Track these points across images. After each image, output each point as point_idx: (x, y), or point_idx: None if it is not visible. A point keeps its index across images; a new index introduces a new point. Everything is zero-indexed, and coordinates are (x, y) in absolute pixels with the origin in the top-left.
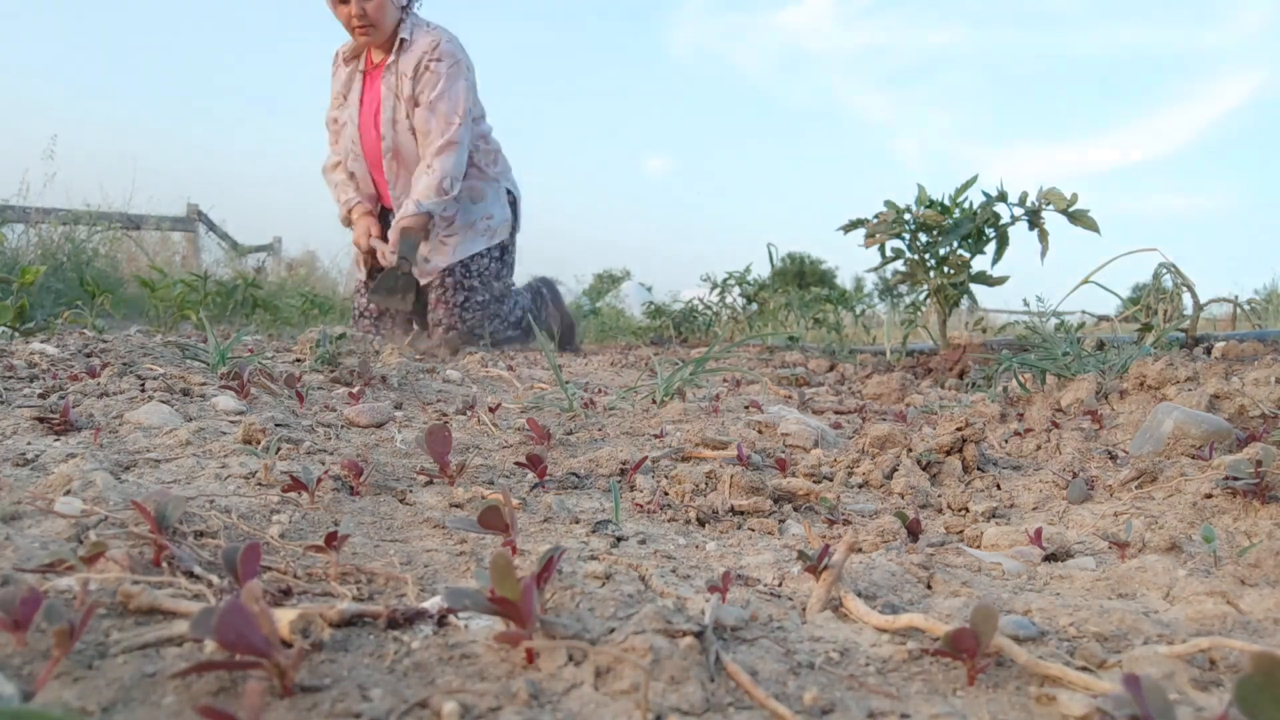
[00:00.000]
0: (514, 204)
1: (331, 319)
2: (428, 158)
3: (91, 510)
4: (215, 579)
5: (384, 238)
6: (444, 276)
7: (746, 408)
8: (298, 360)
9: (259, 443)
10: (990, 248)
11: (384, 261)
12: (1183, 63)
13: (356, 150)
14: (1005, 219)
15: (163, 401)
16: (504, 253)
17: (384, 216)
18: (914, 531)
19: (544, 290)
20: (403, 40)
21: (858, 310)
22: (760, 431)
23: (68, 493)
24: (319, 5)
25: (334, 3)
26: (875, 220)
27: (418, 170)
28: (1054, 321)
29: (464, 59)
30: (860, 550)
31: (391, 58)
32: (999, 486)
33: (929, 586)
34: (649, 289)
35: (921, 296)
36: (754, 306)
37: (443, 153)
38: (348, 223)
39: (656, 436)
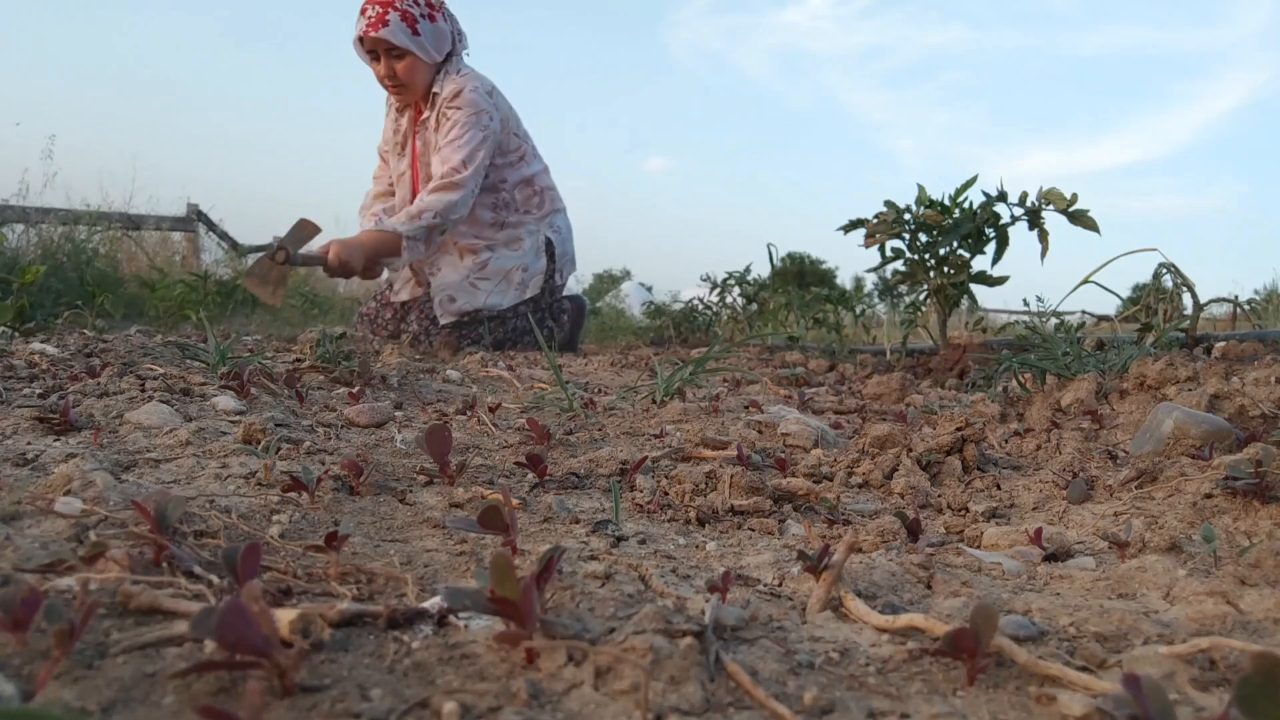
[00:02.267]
0: (551, 252)
1: (332, 319)
2: (423, 192)
3: (91, 510)
4: (215, 579)
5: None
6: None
7: (746, 408)
8: (298, 360)
9: (259, 443)
10: (990, 248)
11: (325, 253)
12: (1183, 63)
13: (405, 199)
14: (1005, 219)
15: (163, 401)
16: (531, 306)
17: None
18: (914, 531)
19: (567, 312)
20: (435, 95)
21: (858, 310)
22: (760, 431)
23: (68, 493)
24: (321, 6)
25: (367, 58)
26: (875, 220)
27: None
28: (1054, 321)
29: (487, 107)
30: (860, 550)
31: (425, 114)
32: (999, 486)
33: (929, 586)
34: (649, 289)
35: (921, 296)
36: (754, 306)
37: (437, 190)
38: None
39: (656, 436)
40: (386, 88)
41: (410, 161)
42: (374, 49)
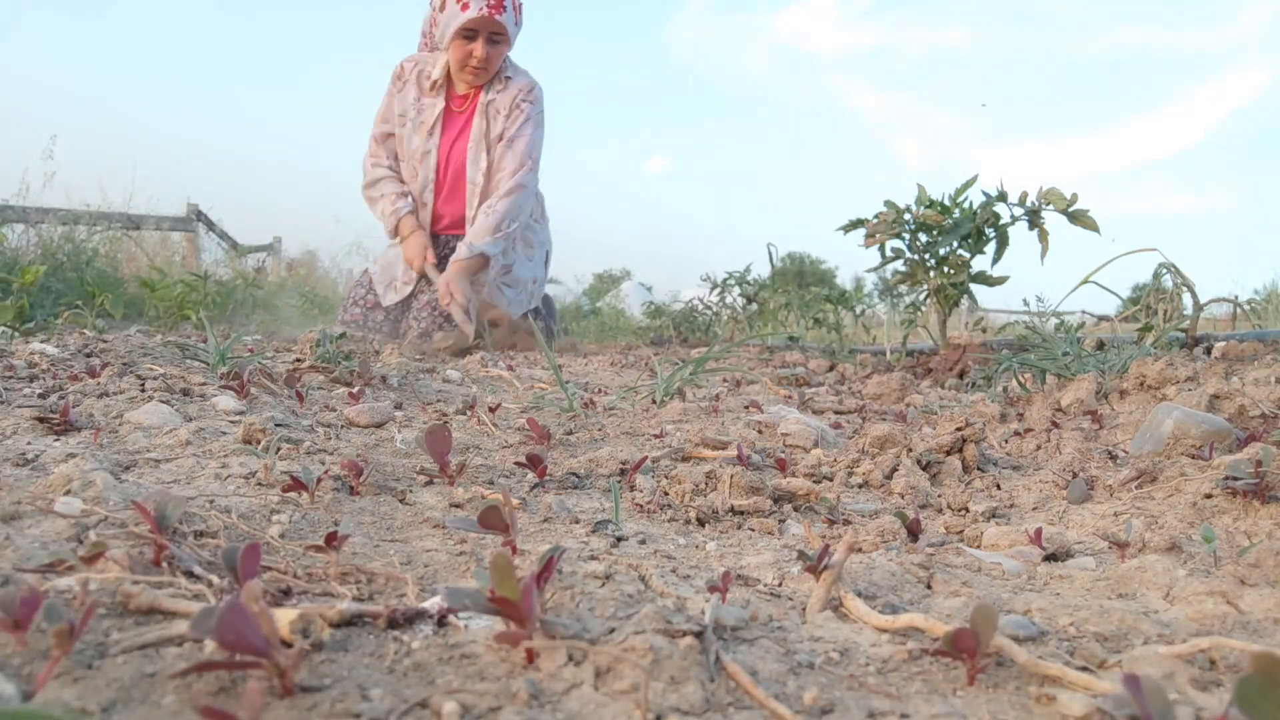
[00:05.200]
0: (546, 261)
1: (331, 319)
2: (494, 198)
3: (91, 510)
4: (215, 579)
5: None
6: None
7: (746, 408)
8: (298, 360)
9: (259, 443)
10: (990, 248)
11: (448, 306)
12: (1183, 63)
13: (429, 179)
14: (1005, 219)
15: (163, 401)
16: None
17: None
18: (914, 531)
19: (540, 308)
20: (508, 79)
21: (858, 310)
22: (760, 431)
23: (68, 493)
24: (319, 6)
25: (457, 37)
26: (875, 220)
27: (481, 210)
28: (1054, 321)
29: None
30: (860, 550)
31: (490, 96)
32: (999, 486)
33: (929, 586)
34: (649, 289)
35: (921, 296)
36: (754, 306)
37: (509, 195)
38: (395, 233)
39: (656, 436)
40: (467, 68)
41: (441, 141)
42: (479, 30)
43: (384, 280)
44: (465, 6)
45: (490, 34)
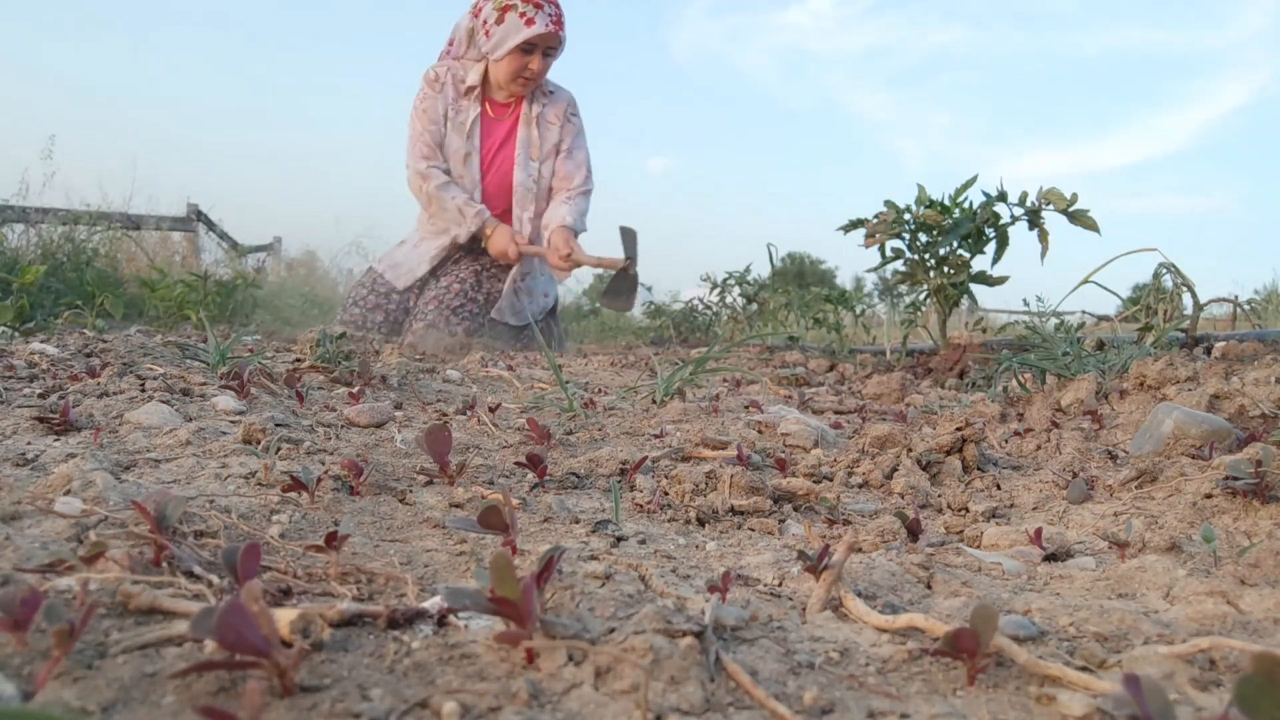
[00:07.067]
0: None
1: (331, 319)
2: (569, 193)
3: (91, 510)
4: (215, 579)
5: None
6: (468, 295)
7: (746, 408)
8: (298, 360)
9: (259, 443)
10: (990, 248)
11: (570, 267)
12: (1183, 63)
13: (475, 182)
14: (1005, 219)
15: (163, 401)
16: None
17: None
18: (914, 531)
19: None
20: (550, 92)
21: (858, 310)
22: (760, 431)
23: (68, 493)
24: (319, 5)
25: (516, 52)
26: (875, 220)
27: (556, 200)
28: (1054, 321)
29: None
30: (860, 550)
31: (534, 108)
32: (999, 486)
33: (929, 586)
34: (649, 289)
35: (921, 296)
36: (754, 306)
37: (584, 195)
38: (479, 232)
39: (656, 436)
40: (518, 79)
41: (482, 145)
42: (538, 44)
43: (392, 277)
44: (530, 22)
45: (547, 48)
